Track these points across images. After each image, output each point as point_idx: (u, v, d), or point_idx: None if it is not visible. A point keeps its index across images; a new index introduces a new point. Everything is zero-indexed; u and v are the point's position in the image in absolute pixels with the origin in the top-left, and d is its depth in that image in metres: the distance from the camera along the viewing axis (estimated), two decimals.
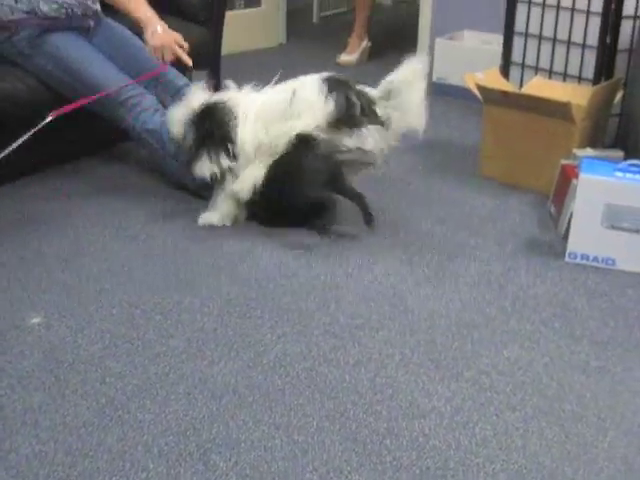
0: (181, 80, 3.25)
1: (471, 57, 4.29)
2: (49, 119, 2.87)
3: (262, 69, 4.86)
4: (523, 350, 2.29)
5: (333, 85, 2.86)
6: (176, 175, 3.14)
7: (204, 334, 2.31)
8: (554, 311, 2.48)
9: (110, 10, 3.36)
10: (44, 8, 3.06)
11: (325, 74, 2.91)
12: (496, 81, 3.50)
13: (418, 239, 2.90)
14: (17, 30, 3.10)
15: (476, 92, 3.38)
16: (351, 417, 1.99)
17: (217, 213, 2.93)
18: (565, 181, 2.97)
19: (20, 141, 2.81)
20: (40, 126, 2.85)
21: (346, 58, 4.99)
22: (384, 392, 2.09)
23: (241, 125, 2.85)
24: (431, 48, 4.68)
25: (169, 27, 3.57)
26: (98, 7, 3.28)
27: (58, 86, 3.13)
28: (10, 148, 2.80)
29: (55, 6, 3.09)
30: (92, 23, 3.25)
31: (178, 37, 3.20)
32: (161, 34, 3.11)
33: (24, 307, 2.43)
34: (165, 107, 3.13)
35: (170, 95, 3.21)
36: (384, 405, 2.04)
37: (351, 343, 2.29)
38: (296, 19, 5.64)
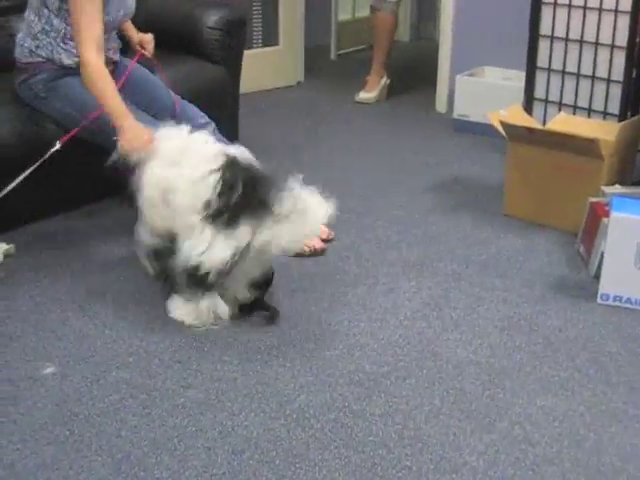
0: (202, 118, 3.19)
1: (492, 93, 4.22)
2: (57, 147, 2.83)
3: (280, 108, 4.85)
4: (557, 399, 2.18)
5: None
6: None
7: (224, 384, 2.22)
8: (588, 356, 2.38)
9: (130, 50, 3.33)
10: (65, 61, 3.00)
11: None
12: (520, 118, 3.42)
13: (444, 281, 2.80)
14: (34, 73, 3.05)
15: (500, 129, 3.30)
16: (379, 473, 1.90)
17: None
18: (595, 220, 2.87)
19: (27, 173, 2.76)
20: (48, 155, 2.80)
21: (365, 96, 4.93)
22: (413, 445, 1.99)
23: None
24: (451, 85, 4.63)
25: (187, 67, 3.55)
26: (118, 58, 3.22)
27: (74, 126, 3.06)
28: (17, 181, 2.76)
29: (76, 59, 3.02)
30: (111, 68, 3.19)
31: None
32: (130, 139, 2.76)
33: (38, 356, 2.36)
34: None
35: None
36: (413, 460, 1.94)
37: (377, 393, 2.19)
38: (314, 57, 5.60)
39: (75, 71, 3.01)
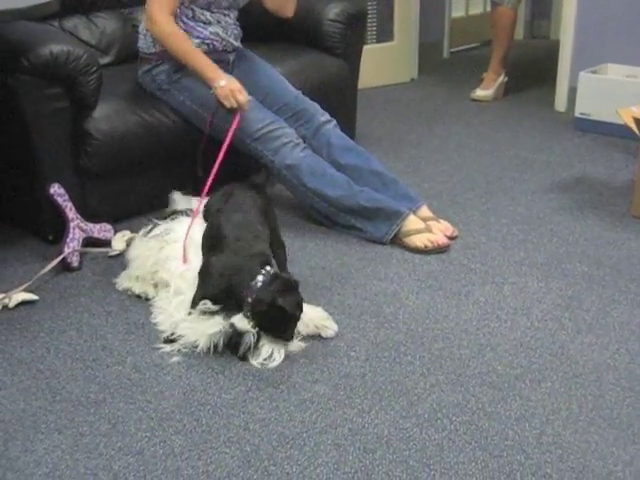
0: (322, 116, 3.14)
1: (616, 91, 4.06)
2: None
3: (395, 104, 4.77)
4: None
5: None
6: (323, 211, 3.01)
7: (352, 380, 2.17)
8: None
9: (251, 42, 3.31)
10: None
11: None
12: None
13: (574, 282, 2.68)
14: (157, 63, 3.06)
15: (633, 127, 3.16)
16: None
17: None
18: None
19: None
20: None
21: (481, 93, 4.81)
22: (552, 452, 1.89)
23: None
24: (571, 83, 4.48)
25: (307, 59, 3.54)
26: (239, 44, 3.21)
27: (196, 121, 3.06)
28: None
29: (197, 41, 3.02)
30: (231, 57, 3.19)
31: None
32: (225, 85, 2.87)
33: (163, 344, 2.34)
34: (305, 143, 3.03)
35: (311, 132, 3.10)
36: (554, 468, 1.84)
37: (512, 395, 2.10)
38: (426, 54, 5.50)
39: None
